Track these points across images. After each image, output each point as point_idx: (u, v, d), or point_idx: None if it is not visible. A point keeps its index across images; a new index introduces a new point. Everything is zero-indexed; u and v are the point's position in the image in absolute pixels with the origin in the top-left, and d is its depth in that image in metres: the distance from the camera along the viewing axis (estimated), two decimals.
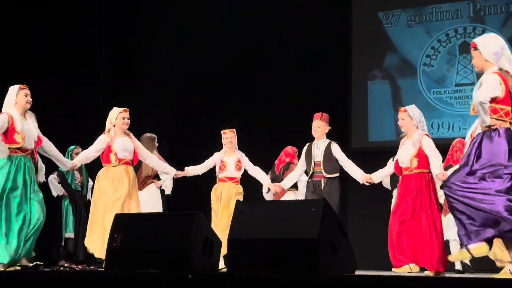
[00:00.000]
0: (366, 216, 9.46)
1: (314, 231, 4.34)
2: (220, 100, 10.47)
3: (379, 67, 10.13)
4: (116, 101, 7.41)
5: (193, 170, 7.81)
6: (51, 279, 4.78)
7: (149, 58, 10.75)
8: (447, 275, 4.78)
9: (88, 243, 6.87)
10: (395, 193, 7.99)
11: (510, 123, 4.73)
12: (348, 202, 9.58)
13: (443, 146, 7.73)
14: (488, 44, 4.82)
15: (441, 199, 6.58)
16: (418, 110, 6.50)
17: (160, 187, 8.16)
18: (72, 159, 8.08)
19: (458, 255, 4.76)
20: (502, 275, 4.64)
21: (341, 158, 7.13)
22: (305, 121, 7.49)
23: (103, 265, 5.39)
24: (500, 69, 4.75)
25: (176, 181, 8.17)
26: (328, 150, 7.14)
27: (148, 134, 8.17)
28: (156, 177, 8.13)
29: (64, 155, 8.07)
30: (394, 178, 7.56)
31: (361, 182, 7.04)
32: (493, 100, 4.70)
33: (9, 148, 6.15)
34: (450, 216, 6.83)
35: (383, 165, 6.89)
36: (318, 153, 7.18)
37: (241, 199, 7.60)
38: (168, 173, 7.58)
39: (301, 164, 7.33)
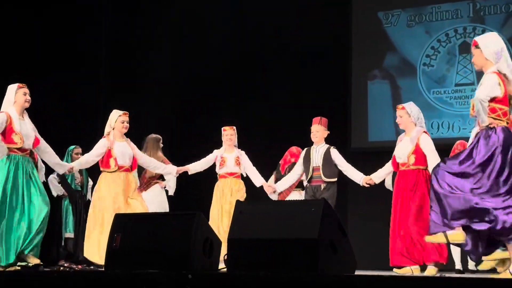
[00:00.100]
0: (366, 216, 9.46)
1: (314, 231, 4.34)
2: (220, 100, 10.47)
3: (379, 67, 10.12)
4: (116, 101, 7.42)
5: (193, 167, 7.85)
6: (51, 279, 4.78)
7: (149, 58, 10.75)
8: (447, 275, 4.78)
9: (87, 253, 6.84)
10: None
11: (507, 123, 4.76)
12: (348, 203, 9.58)
13: (443, 146, 7.74)
14: (490, 43, 4.85)
15: None
16: (416, 107, 6.52)
17: (165, 187, 8.18)
18: (72, 159, 8.09)
19: (433, 238, 4.80)
20: (502, 275, 4.64)
21: (340, 162, 7.13)
22: (305, 121, 7.49)
23: (103, 265, 5.40)
24: (499, 70, 4.77)
25: (178, 181, 8.19)
26: (327, 155, 7.14)
27: (154, 135, 8.21)
28: (161, 177, 8.15)
29: (64, 155, 8.10)
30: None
31: (361, 184, 7.04)
32: (492, 99, 4.73)
33: (8, 148, 6.15)
34: None
35: (383, 165, 6.89)
36: (317, 158, 7.18)
37: (243, 194, 7.65)
38: (171, 173, 7.58)
39: (298, 169, 7.34)
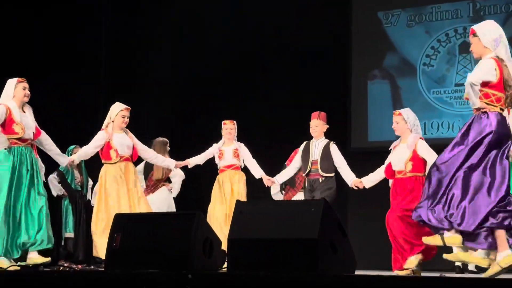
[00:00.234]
0: (366, 216, 9.45)
1: (314, 231, 4.34)
2: (220, 100, 10.47)
3: (379, 67, 10.12)
4: (116, 101, 7.41)
5: (193, 161, 7.90)
6: (51, 279, 4.78)
7: (149, 58, 10.75)
8: (447, 275, 4.78)
9: (99, 250, 6.81)
10: None
11: (501, 109, 4.75)
12: (348, 202, 9.58)
13: (443, 146, 7.73)
14: (487, 31, 4.85)
15: None
16: (412, 114, 6.50)
17: (170, 189, 8.22)
18: None
19: (432, 239, 4.79)
20: (493, 269, 4.64)
21: (337, 159, 7.13)
22: (305, 121, 7.50)
23: (103, 265, 5.40)
24: (497, 56, 4.77)
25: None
26: (326, 149, 7.15)
27: (161, 139, 8.26)
28: (167, 180, 8.19)
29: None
30: None
31: (349, 185, 7.05)
32: (486, 84, 4.72)
33: (8, 139, 6.16)
34: None
35: (383, 164, 6.88)
36: (316, 151, 7.19)
37: (244, 185, 7.68)
38: (169, 166, 7.62)
39: (296, 162, 7.36)
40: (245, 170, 7.93)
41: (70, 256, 8.27)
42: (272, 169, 8.28)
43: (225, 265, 5.57)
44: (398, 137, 6.61)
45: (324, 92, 9.95)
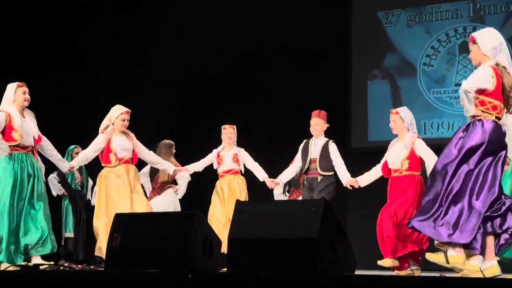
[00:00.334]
0: (366, 216, 9.43)
1: (314, 231, 4.34)
2: (220, 100, 10.47)
3: (379, 67, 10.12)
4: (116, 101, 7.41)
5: (192, 167, 7.90)
6: (51, 279, 4.78)
7: (149, 58, 10.75)
8: (447, 275, 4.78)
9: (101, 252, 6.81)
10: None
11: (497, 117, 4.73)
12: (348, 202, 9.58)
13: (443, 146, 7.72)
14: (487, 38, 4.82)
15: None
16: (409, 113, 6.52)
17: (176, 191, 8.24)
18: (72, 158, 8.09)
19: (435, 257, 4.77)
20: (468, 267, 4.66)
21: (334, 158, 7.13)
22: (305, 121, 7.50)
23: (103, 265, 5.40)
24: (497, 64, 4.75)
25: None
26: (325, 148, 7.16)
27: (166, 141, 8.28)
28: (173, 181, 8.21)
29: (64, 154, 8.10)
30: None
31: (344, 185, 7.04)
32: (482, 92, 4.70)
33: (9, 146, 6.16)
34: None
35: (379, 164, 6.88)
36: (315, 150, 7.19)
37: (244, 189, 7.67)
38: (168, 170, 7.61)
39: (297, 160, 7.36)
40: (246, 174, 7.90)
41: (70, 256, 8.29)
42: (273, 169, 8.28)
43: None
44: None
45: (324, 92, 9.95)
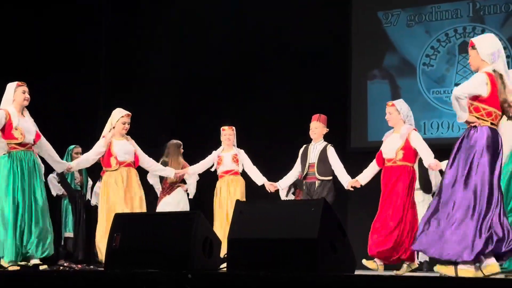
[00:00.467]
0: (366, 216, 9.45)
1: (314, 231, 4.34)
2: (220, 100, 10.47)
3: (379, 67, 10.13)
4: (116, 101, 7.42)
5: (192, 170, 7.90)
6: (51, 279, 4.78)
7: (149, 58, 10.75)
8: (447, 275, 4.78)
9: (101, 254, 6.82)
10: None
11: (492, 123, 4.72)
12: (348, 202, 9.58)
13: (442, 146, 7.73)
14: (486, 44, 4.82)
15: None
16: (406, 105, 6.53)
17: (186, 190, 8.27)
18: (72, 158, 8.10)
19: (444, 269, 4.75)
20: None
21: (333, 161, 7.11)
22: (305, 121, 7.50)
23: (103, 265, 5.40)
24: (494, 70, 4.75)
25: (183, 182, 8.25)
26: (323, 153, 7.13)
27: (174, 141, 8.32)
28: (182, 181, 8.23)
29: (64, 154, 8.10)
30: None
31: (346, 188, 7.03)
32: (476, 98, 4.70)
33: (8, 144, 6.15)
34: None
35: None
36: (313, 154, 7.17)
37: (243, 190, 7.67)
38: (169, 175, 7.65)
39: (297, 165, 7.34)
40: (245, 176, 7.90)
41: (69, 256, 8.29)
42: (272, 169, 8.29)
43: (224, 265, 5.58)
44: None
45: (324, 92, 9.96)
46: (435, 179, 8.07)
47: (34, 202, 6.15)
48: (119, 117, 7.02)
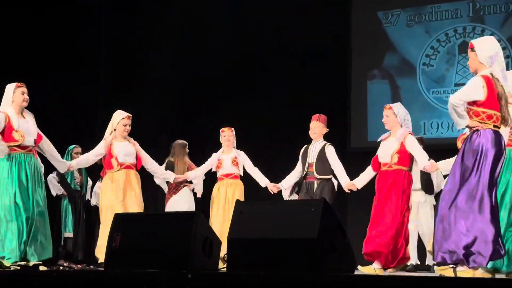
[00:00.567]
0: (366, 216, 9.44)
1: (314, 231, 4.34)
2: (220, 100, 10.47)
3: (379, 66, 10.13)
4: (116, 101, 7.42)
5: (192, 174, 7.91)
6: (51, 279, 4.78)
7: (149, 58, 10.75)
8: (447, 275, 4.78)
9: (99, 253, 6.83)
10: None
11: (495, 126, 4.72)
12: (347, 202, 9.58)
13: (442, 146, 7.74)
14: (485, 47, 4.83)
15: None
16: (403, 109, 6.53)
17: (193, 190, 8.29)
18: (72, 158, 8.10)
19: (444, 271, 4.77)
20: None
21: (332, 161, 7.10)
22: (305, 121, 7.50)
23: (103, 265, 5.40)
24: (492, 74, 4.75)
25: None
26: (322, 152, 7.13)
27: (180, 141, 8.35)
28: (189, 180, 8.25)
29: (64, 154, 8.11)
30: None
31: (344, 189, 7.04)
32: (474, 103, 4.71)
33: (8, 147, 6.14)
34: None
35: None
36: (313, 154, 7.17)
37: (241, 194, 7.66)
38: (168, 179, 7.66)
39: (298, 166, 7.34)
40: (245, 178, 7.89)
41: (69, 256, 8.29)
42: (272, 170, 8.29)
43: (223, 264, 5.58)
44: None
45: (324, 92, 9.96)
46: (436, 180, 8.07)
47: (35, 205, 6.14)
48: (119, 119, 7.03)
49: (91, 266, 7.75)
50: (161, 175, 7.55)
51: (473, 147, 4.68)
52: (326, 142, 7.23)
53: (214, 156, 7.81)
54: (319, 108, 7.57)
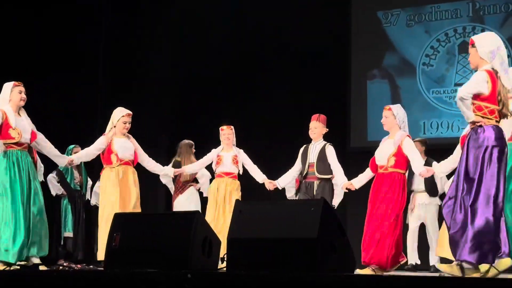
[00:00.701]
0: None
1: (313, 231, 4.34)
2: (220, 100, 10.48)
3: (378, 66, 10.13)
4: (116, 101, 7.41)
5: (189, 169, 7.91)
6: (51, 279, 4.78)
7: (149, 58, 10.75)
8: (447, 275, 4.78)
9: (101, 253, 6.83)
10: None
11: (497, 121, 4.73)
12: (347, 202, 9.57)
13: (442, 146, 7.74)
14: (485, 42, 4.83)
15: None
16: (402, 110, 6.52)
17: (199, 189, 8.30)
18: None
19: (447, 268, 4.75)
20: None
21: (331, 161, 7.10)
22: (305, 121, 7.49)
23: (103, 265, 5.40)
24: (493, 68, 4.76)
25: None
26: (322, 152, 7.13)
27: (186, 141, 8.39)
28: (194, 180, 8.28)
29: (63, 154, 8.10)
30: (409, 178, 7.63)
31: (340, 188, 7.04)
32: (477, 97, 4.71)
33: (4, 144, 6.15)
34: None
35: None
36: (313, 154, 7.17)
37: (239, 194, 7.65)
38: (167, 174, 7.66)
39: (296, 165, 7.34)
40: (243, 177, 7.88)
41: (69, 256, 8.29)
42: (272, 169, 8.28)
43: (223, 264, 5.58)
44: None
45: (324, 92, 9.96)
46: (440, 182, 8.06)
47: (31, 202, 6.14)
48: (120, 116, 7.05)
49: (91, 266, 7.76)
50: (159, 171, 7.55)
51: (478, 143, 4.68)
52: (326, 142, 7.24)
53: (214, 151, 7.79)
54: (319, 108, 7.57)
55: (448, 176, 6.79)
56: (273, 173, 7.85)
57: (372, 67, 10.15)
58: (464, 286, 3.86)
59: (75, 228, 8.36)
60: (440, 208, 6.69)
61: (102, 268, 5.43)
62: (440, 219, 7.69)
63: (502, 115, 4.76)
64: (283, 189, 7.64)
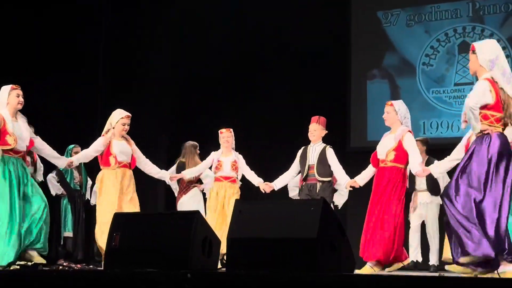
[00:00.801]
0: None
1: (313, 231, 4.34)
2: (220, 100, 10.48)
3: (378, 66, 10.13)
4: (116, 101, 7.41)
5: (188, 173, 7.90)
6: (50, 279, 4.78)
7: (149, 58, 10.75)
8: (447, 275, 4.78)
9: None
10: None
11: (503, 129, 4.75)
12: (347, 202, 9.57)
13: (442, 145, 7.73)
14: (485, 50, 4.85)
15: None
16: (404, 106, 6.55)
17: (203, 190, 8.31)
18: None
19: (461, 270, 4.77)
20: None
21: (332, 162, 7.11)
22: (305, 121, 7.50)
23: (102, 264, 5.40)
24: (492, 77, 4.77)
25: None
26: (322, 154, 7.14)
27: (191, 142, 8.41)
28: (198, 181, 8.30)
29: (63, 154, 8.10)
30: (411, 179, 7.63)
31: (344, 188, 7.04)
32: (484, 106, 4.73)
33: (1, 150, 6.11)
34: None
35: None
36: (313, 156, 7.18)
37: (238, 197, 7.64)
38: (164, 178, 7.62)
39: (294, 166, 7.34)
40: (242, 179, 7.88)
41: (69, 256, 8.29)
42: (272, 170, 8.28)
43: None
44: None
45: (324, 92, 9.96)
46: (442, 181, 8.06)
47: (29, 206, 6.13)
48: (119, 118, 7.02)
49: (91, 266, 7.75)
50: (156, 174, 7.52)
51: (484, 151, 4.69)
52: (325, 144, 7.24)
53: (213, 155, 7.78)
54: (319, 108, 7.57)
55: (450, 175, 6.80)
56: (273, 173, 7.84)
57: (372, 67, 10.15)
58: (464, 286, 3.85)
59: (75, 228, 8.36)
60: (441, 207, 6.70)
61: (102, 268, 5.43)
62: (441, 219, 7.69)
63: (506, 123, 4.79)
64: (285, 190, 7.65)
